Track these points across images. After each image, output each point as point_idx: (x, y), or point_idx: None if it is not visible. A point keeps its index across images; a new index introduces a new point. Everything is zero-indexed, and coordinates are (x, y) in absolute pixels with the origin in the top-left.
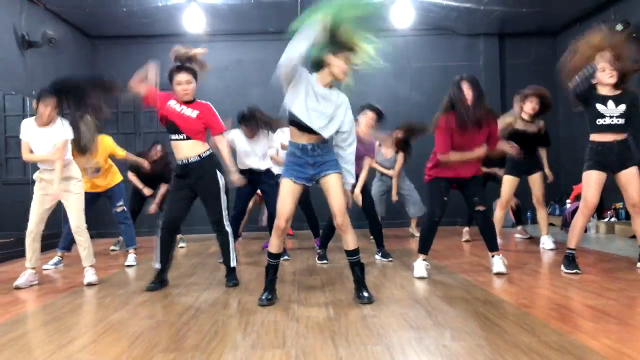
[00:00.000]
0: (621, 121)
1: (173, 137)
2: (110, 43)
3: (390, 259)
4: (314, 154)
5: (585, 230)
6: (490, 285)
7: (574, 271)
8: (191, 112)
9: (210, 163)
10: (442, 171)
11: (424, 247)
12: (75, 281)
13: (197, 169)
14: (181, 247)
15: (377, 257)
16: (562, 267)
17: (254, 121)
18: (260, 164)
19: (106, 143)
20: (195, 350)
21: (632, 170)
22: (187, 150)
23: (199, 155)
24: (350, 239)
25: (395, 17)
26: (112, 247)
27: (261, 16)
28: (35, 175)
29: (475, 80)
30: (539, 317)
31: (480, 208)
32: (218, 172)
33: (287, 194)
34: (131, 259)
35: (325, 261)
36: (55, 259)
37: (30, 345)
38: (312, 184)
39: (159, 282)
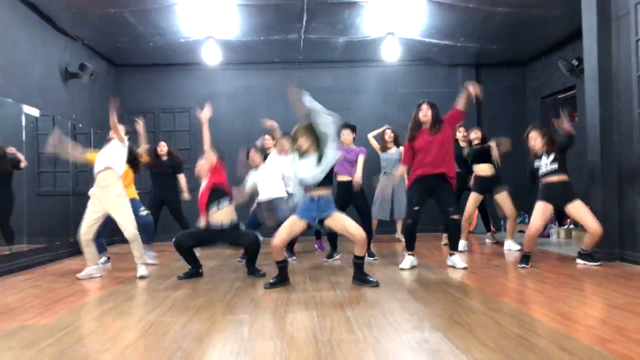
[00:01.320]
0: (555, 166)
1: None
2: (134, 70)
3: (375, 258)
4: (319, 203)
5: (548, 236)
6: (461, 276)
7: (524, 266)
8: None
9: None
10: (415, 172)
11: (410, 246)
12: (128, 275)
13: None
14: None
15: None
16: (518, 263)
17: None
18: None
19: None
20: (244, 314)
21: (577, 203)
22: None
23: (231, 222)
24: (361, 248)
25: (385, 51)
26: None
27: (268, 49)
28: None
29: (432, 102)
30: (493, 296)
31: (455, 217)
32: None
33: (291, 228)
34: (148, 256)
35: (329, 259)
36: (103, 259)
37: (129, 312)
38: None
39: (189, 275)
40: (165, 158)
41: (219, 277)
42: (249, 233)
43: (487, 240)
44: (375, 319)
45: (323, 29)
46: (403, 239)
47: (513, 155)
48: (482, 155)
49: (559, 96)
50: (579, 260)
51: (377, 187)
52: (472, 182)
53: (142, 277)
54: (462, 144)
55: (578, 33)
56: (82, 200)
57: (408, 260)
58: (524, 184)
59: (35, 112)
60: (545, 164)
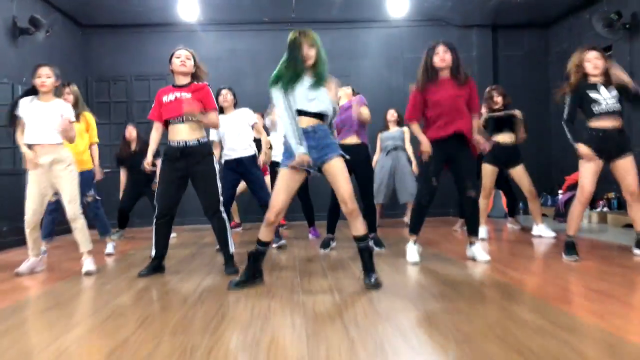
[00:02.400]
0: (617, 106)
1: (170, 120)
2: (103, 32)
3: (382, 247)
4: (315, 136)
5: None
6: (492, 269)
7: (574, 258)
8: (186, 94)
9: (208, 148)
10: (431, 132)
11: (414, 227)
12: (73, 269)
13: (194, 153)
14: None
15: (369, 244)
16: (563, 254)
17: None
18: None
19: (90, 120)
20: (204, 332)
21: (629, 158)
22: (184, 133)
23: (198, 140)
24: (359, 224)
25: (390, 7)
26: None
27: (255, 6)
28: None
29: (452, 44)
30: (544, 300)
31: (472, 194)
32: (214, 158)
33: (286, 181)
34: (110, 247)
35: (326, 249)
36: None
37: (35, 329)
38: (315, 171)
39: (152, 268)
40: (134, 146)
41: (185, 272)
42: None
43: (509, 225)
44: (391, 343)
45: None
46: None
47: (533, 130)
48: (504, 122)
49: None
50: (636, 250)
51: (376, 167)
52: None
53: (88, 274)
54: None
55: None
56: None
57: (414, 249)
58: (547, 161)
59: None
60: (605, 99)
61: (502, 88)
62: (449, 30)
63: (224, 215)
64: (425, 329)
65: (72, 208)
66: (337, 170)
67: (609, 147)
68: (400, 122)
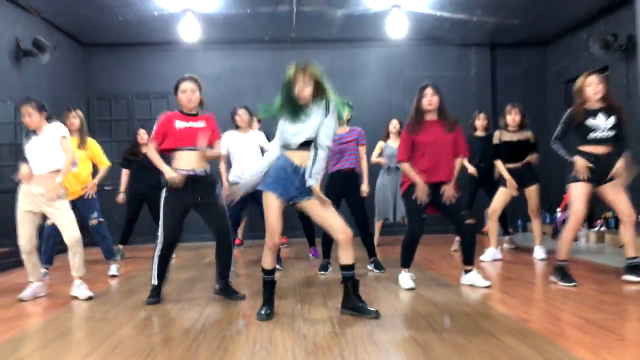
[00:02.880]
0: (611, 134)
1: (181, 147)
2: (104, 50)
3: (383, 270)
4: (302, 178)
5: (576, 239)
6: (489, 297)
7: (572, 284)
8: (199, 124)
9: (213, 178)
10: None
11: (406, 262)
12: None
13: (202, 183)
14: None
15: (369, 268)
16: (554, 279)
17: None
18: None
19: (93, 146)
20: None
21: (618, 182)
22: (194, 161)
23: (205, 170)
24: (351, 253)
25: (390, 27)
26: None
27: (256, 25)
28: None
29: (437, 87)
30: (540, 333)
31: (471, 222)
32: (217, 185)
33: (276, 211)
34: (114, 269)
35: (325, 272)
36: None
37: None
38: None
39: (157, 295)
40: (144, 149)
41: (186, 299)
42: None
43: (505, 245)
44: None
45: (318, 0)
46: None
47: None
48: (516, 148)
49: None
50: (626, 276)
51: (377, 183)
52: (497, 175)
53: (86, 299)
54: (480, 133)
55: (611, 6)
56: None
57: (407, 276)
58: (546, 179)
59: None
60: (603, 128)
61: (520, 107)
62: (447, 49)
63: (231, 240)
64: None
65: (68, 235)
66: (318, 207)
67: (599, 171)
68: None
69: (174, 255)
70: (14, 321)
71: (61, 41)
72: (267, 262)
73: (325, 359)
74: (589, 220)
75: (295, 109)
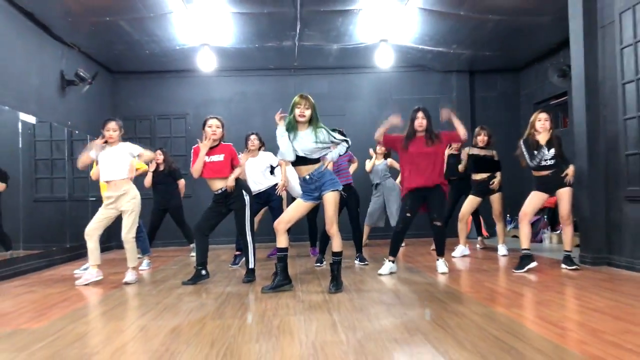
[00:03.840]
0: (553, 162)
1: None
2: (130, 77)
3: (366, 263)
4: (312, 181)
5: (541, 241)
6: (449, 280)
7: (526, 268)
8: (219, 157)
9: (239, 186)
10: (410, 183)
11: (392, 250)
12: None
13: (231, 194)
14: (192, 256)
15: (356, 261)
16: (515, 268)
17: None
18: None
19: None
20: (233, 318)
21: (564, 190)
22: (221, 184)
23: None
24: (336, 242)
25: (378, 58)
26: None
27: (263, 56)
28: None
29: (427, 111)
30: (477, 299)
31: (437, 223)
32: (244, 192)
33: (294, 206)
34: (145, 264)
35: (320, 264)
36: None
37: (120, 316)
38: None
39: (196, 278)
40: (162, 167)
41: (211, 282)
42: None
43: (477, 246)
44: (360, 323)
45: (317, 37)
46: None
47: (506, 161)
48: (485, 163)
49: (551, 102)
50: (563, 265)
51: (373, 195)
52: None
53: (126, 284)
54: (454, 151)
55: (568, 41)
56: (78, 206)
57: (387, 266)
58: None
59: (31, 119)
60: (545, 158)
61: (488, 129)
62: (431, 75)
63: (249, 237)
64: (384, 315)
65: (127, 232)
66: (327, 202)
67: (548, 186)
68: (386, 155)
69: (192, 254)
70: (76, 298)
71: (100, 73)
72: (279, 242)
73: (316, 312)
74: (552, 224)
75: (294, 127)
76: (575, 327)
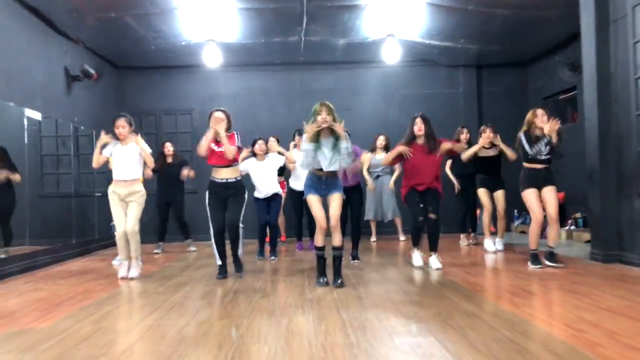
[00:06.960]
0: (547, 157)
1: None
2: (136, 73)
3: (358, 260)
4: (326, 182)
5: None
6: (455, 276)
7: (539, 266)
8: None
9: (242, 183)
10: (409, 182)
11: (415, 242)
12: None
13: (233, 187)
14: (193, 251)
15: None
16: (529, 264)
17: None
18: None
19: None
20: (241, 317)
21: (550, 188)
22: (227, 173)
23: (235, 178)
24: (337, 237)
25: (385, 53)
26: (155, 250)
27: (268, 51)
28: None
29: (426, 117)
30: (487, 298)
31: (432, 216)
32: (245, 190)
33: (318, 204)
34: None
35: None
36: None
37: (127, 315)
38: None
39: (224, 272)
40: (171, 159)
41: (219, 280)
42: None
43: (470, 241)
44: (370, 323)
45: (323, 31)
46: (404, 238)
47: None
48: (492, 164)
49: (560, 97)
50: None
51: (369, 191)
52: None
53: (131, 279)
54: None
55: (578, 35)
56: (84, 201)
57: (418, 256)
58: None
59: (37, 115)
60: (542, 151)
61: (493, 127)
62: (438, 70)
63: (240, 230)
64: (394, 314)
65: (133, 224)
66: (332, 200)
67: (538, 181)
68: (386, 148)
69: (195, 249)
70: (82, 296)
71: (102, 66)
72: (318, 240)
73: (325, 311)
74: (562, 220)
75: (317, 136)
76: (589, 328)
